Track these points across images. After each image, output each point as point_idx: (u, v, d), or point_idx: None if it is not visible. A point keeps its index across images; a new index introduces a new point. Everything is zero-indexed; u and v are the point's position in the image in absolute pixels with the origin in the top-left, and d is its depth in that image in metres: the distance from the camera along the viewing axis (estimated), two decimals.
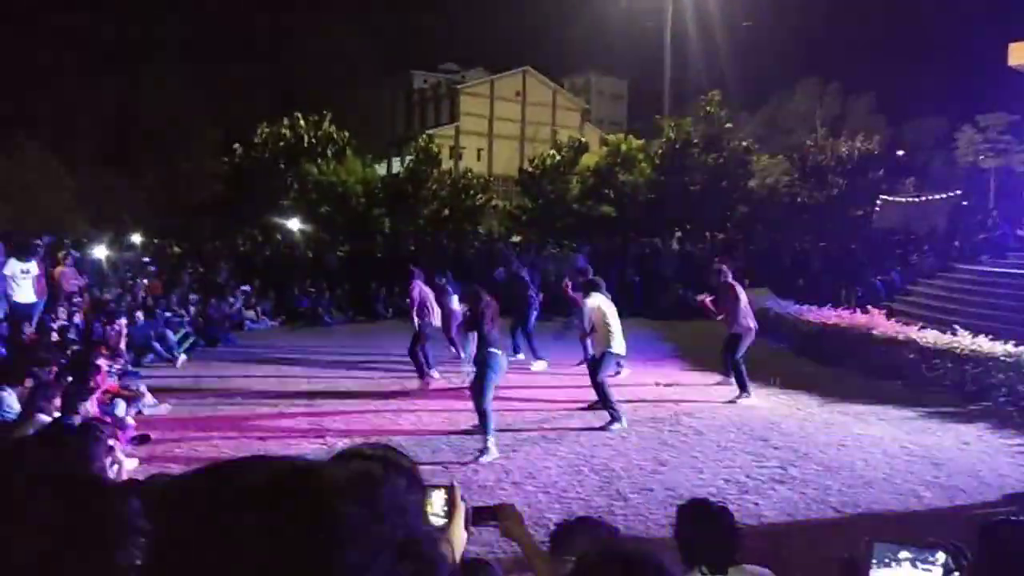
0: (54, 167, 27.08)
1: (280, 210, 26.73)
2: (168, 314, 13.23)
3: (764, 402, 9.28)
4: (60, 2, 36.82)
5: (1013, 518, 2.64)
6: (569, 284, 11.01)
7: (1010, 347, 9.25)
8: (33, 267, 11.35)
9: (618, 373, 10.17)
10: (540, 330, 12.21)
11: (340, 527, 0.64)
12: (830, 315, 12.43)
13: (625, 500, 5.91)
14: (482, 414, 7.09)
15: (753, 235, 25.92)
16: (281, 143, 28.37)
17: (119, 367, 9.82)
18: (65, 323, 11.24)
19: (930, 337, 10.30)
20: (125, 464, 5.74)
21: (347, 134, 29.10)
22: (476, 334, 7.24)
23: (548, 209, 28.46)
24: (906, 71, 42.83)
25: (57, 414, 5.87)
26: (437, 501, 1.61)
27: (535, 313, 11.84)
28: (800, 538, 5.16)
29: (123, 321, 11.30)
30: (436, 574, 0.68)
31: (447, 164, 33.70)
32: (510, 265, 12.31)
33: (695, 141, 27.99)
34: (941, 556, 2.01)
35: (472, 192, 28.79)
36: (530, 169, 30.14)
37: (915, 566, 2.01)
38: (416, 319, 10.41)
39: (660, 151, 28.70)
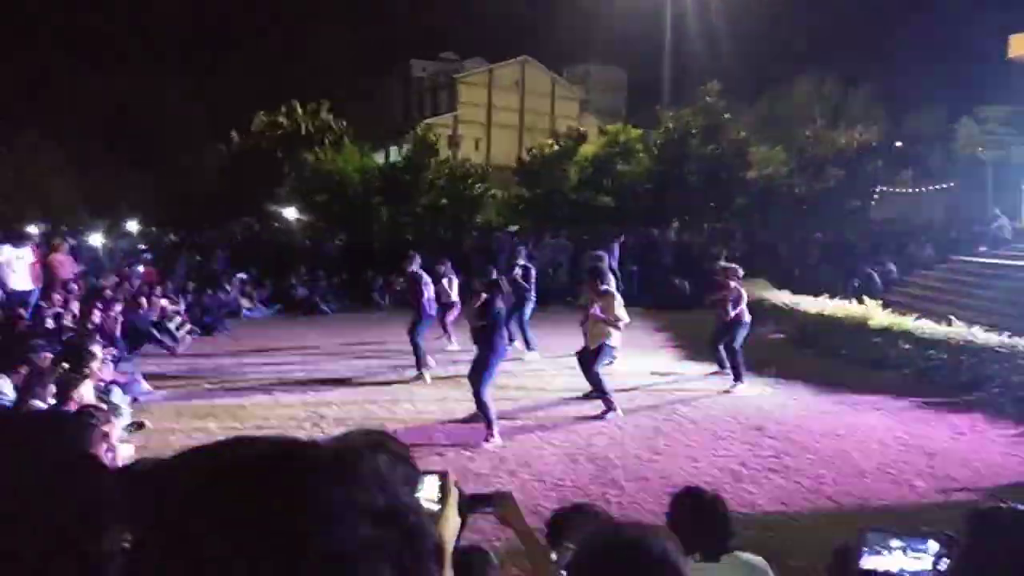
0: (53, 157, 27.06)
1: (277, 199, 26.66)
2: (164, 302, 13.20)
3: (760, 392, 9.30)
4: (61, 2, 36.72)
5: (1002, 504, 2.65)
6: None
7: (1005, 338, 9.27)
8: (28, 254, 11.33)
9: (610, 363, 10.21)
10: (538, 320, 12.23)
11: (322, 503, 0.64)
12: (827, 306, 12.45)
13: (620, 488, 5.93)
14: (482, 402, 7.15)
15: (751, 226, 25.92)
16: (279, 132, 28.26)
17: (115, 354, 9.81)
18: (60, 310, 11.22)
19: (926, 328, 10.32)
20: (120, 451, 5.74)
21: (344, 123, 28.98)
22: (489, 320, 7.25)
23: (546, 199, 28.42)
24: (906, 62, 42.76)
25: (52, 401, 5.87)
26: (430, 487, 1.61)
27: (532, 304, 11.83)
28: (794, 527, 5.18)
29: (118, 308, 11.28)
30: (421, 542, 0.68)
31: (445, 153, 33.61)
32: (517, 256, 12.31)
33: (694, 132, 27.94)
34: (933, 545, 2.02)
35: (470, 181, 28.73)
36: (528, 159, 30.07)
37: (906, 554, 2.03)
38: (417, 303, 10.34)
39: (659, 141, 28.66)
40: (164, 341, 11.89)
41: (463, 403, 8.09)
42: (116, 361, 9.59)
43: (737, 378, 9.37)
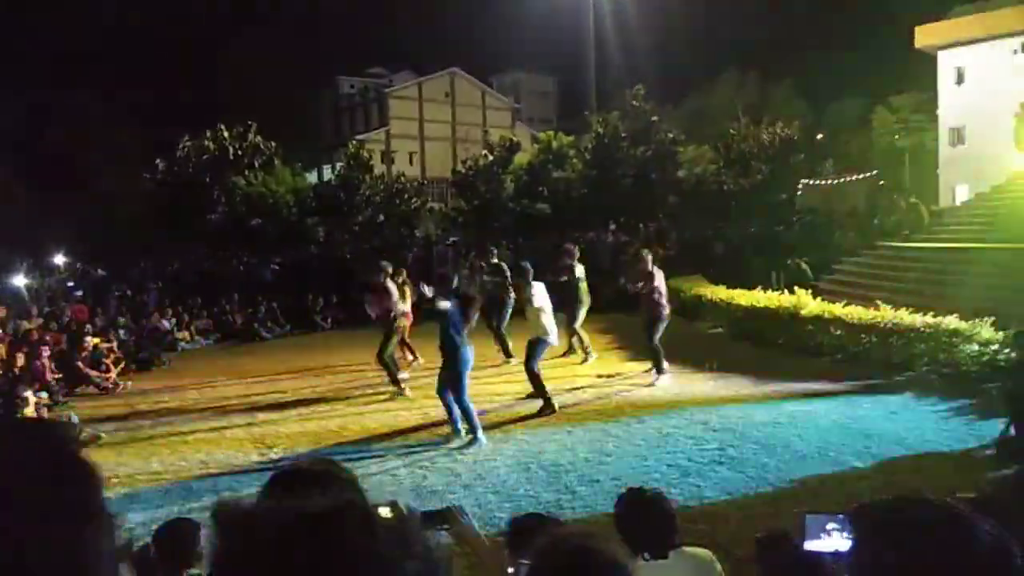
0: None
1: (208, 225, 26.05)
2: (96, 340, 12.77)
3: (702, 386, 9.52)
4: None
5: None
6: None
7: (929, 318, 9.70)
8: None
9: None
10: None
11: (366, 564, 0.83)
12: (760, 298, 12.81)
13: (573, 493, 6.00)
14: (464, 410, 7.36)
15: (683, 223, 26.48)
16: (205, 156, 27.52)
17: (47, 400, 9.47)
18: None
19: (855, 313, 10.71)
20: None
21: (274, 144, 28.46)
22: (454, 332, 7.34)
23: (484, 209, 28.54)
24: (822, 57, 44.30)
25: None
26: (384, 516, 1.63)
27: (508, 312, 11.77)
28: (739, 516, 5.33)
29: (46, 351, 10.88)
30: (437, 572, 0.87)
31: (380, 169, 33.39)
32: (489, 256, 12.48)
33: (623, 135, 28.44)
34: None
35: (407, 196, 28.62)
36: (463, 170, 30.15)
37: (842, 535, 2.13)
38: (383, 315, 10.15)
39: (590, 146, 29.08)
40: (99, 382, 11.51)
41: (413, 415, 8.06)
42: (51, 406, 9.26)
43: (659, 369, 9.73)
